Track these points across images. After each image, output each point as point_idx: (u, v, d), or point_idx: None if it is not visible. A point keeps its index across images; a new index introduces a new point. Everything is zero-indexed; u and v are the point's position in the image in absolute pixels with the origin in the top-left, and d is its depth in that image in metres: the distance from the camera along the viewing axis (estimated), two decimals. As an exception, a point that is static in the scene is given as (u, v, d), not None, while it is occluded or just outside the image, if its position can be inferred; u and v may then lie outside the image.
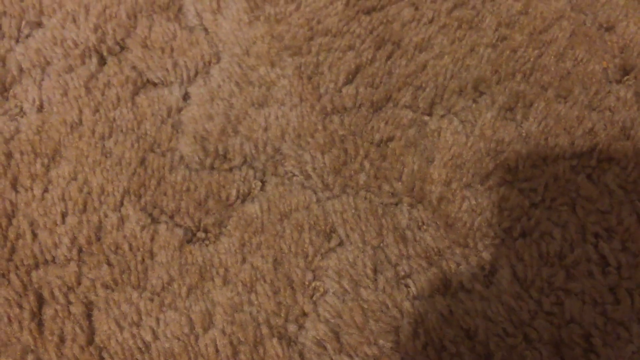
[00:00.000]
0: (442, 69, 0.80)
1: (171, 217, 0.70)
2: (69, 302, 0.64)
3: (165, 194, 0.71)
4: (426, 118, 0.77)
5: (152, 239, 0.68)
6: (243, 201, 0.71)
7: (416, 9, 0.85)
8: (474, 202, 0.71)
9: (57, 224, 0.68)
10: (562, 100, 0.79)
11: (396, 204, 0.72)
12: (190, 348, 0.62)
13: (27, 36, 0.81)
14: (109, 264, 0.66)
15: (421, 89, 0.79)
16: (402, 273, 0.67)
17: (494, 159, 0.74)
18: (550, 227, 0.70)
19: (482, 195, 0.72)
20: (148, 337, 0.62)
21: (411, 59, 0.81)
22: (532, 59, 0.81)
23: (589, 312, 0.64)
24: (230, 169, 0.73)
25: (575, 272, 0.67)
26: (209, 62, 0.80)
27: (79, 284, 0.65)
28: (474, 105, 0.78)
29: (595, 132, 0.76)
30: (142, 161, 0.72)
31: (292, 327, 0.64)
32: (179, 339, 0.62)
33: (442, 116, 0.77)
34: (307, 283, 0.66)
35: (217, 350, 0.62)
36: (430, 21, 0.84)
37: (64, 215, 0.69)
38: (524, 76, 0.80)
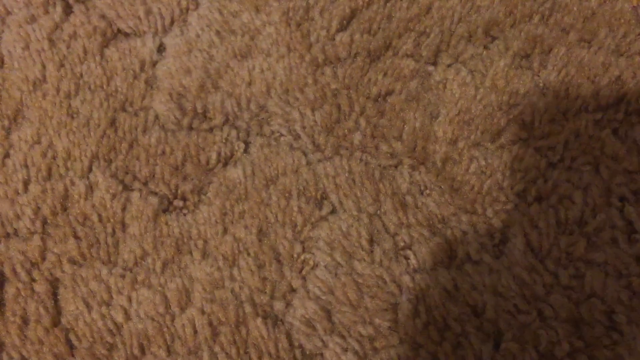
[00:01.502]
0: (448, 12, 0.75)
1: (145, 184, 0.66)
2: (33, 280, 0.62)
3: (138, 159, 0.67)
4: (430, 68, 0.73)
5: (123, 209, 0.65)
6: (225, 165, 0.68)
7: (420, -57, 0.78)
8: (483, 162, 0.67)
9: (18, 193, 0.65)
10: (585, 45, 0.74)
11: (395, 167, 0.68)
12: (165, 329, 0.59)
13: (-16, -17, 0.76)
14: (76, 237, 0.63)
15: (425, 35, 0.74)
16: (402, 244, 0.64)
17: (507, 114, 0.69)
18: (570, 190, 0.65)
19: (492, 155, 0.68)
20: (119, 318, 0.60)
21: (414, 0, 0.76)
22: None
23: (613, 286, 0.60)
24: (211, 129, 0.69)
25: (597, 240, 0.63)
26: (186, 9, 0.76)
27: (44, 259, 0.62)
28: (484, 52, 0.74)
29: (623, 80, 0.71)
30: (112, 122, 0.69)
31: (278, 305, 0.60)
32: (153, 319, 0.59)
33: (449, 66, 0.73)
34: (295, 256, 0.63)
35: (195, 332, 0.59)
36: (436, -43, 0.78)
37: (26, 184, 0.66)
38: (542, 18, 0.75)
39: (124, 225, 0.63)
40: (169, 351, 0.58)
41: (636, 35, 0.74)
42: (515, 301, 0.60)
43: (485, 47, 0.74)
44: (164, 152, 0.67)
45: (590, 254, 0.62)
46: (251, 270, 0.61)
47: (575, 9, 0.75)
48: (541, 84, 0.71)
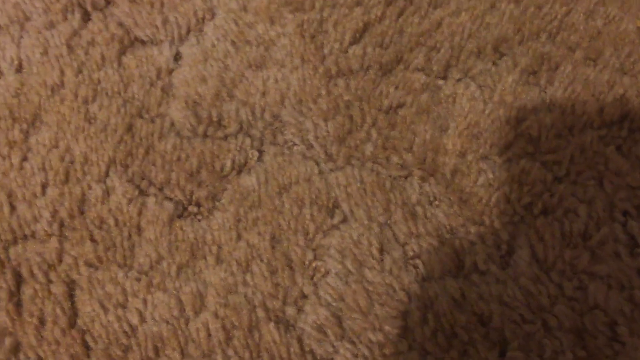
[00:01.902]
0: (458, 28, 0.76)
1: (160, 190, 0.66)
2: (50, 281, 0.61)
3: (154, 164, 0.67)
4: (440, 82, 0.73)
5: (139, 213, 0.64)
6: (239, 172, 0.68)
7: (431, -41, 0.79)
8: (491, 175, 0.67)
9: (36, 196, 0.65)
10: (591, 63, 0.75)
11: (406, 177, 0.68)
12: (180, 332, 0.59)
13: (4, -11, 0.76)
14: (93, 240, 0.63)
15: (435, 50, 0.74)
16: (411, 253, 0.64)
17: (515, 128, 0.70)
18: (575, 204, 0.66)
19: (500, 168, 0.68)
20: (134, 320, 0.60)
21: (425, 16, 0.76)
22: (558, 17, 0.77)
23: (615, 298, 0.61)
24: (225, 137, 0.69)
25: (601, 253, 0.63)
26: (203, 19, 0.76)
27: (61, 261, 0.62)
28: (493, 68, 0.74)
29: (627, 98, 0.72)
30: (129, 128, 0.69)
31: (290, 311, 0.61)
32: (167, 322, 0.59)
33: (458, 80, 0.74)
34: (307, 263, 0.63)
35: (209, 335, 0.59)
36: (447, -26, 0.79)
37: (44, 187, 0.65)
38: (550, 36, 0.76)
39: (139, 230, 0.63)
40: (183, 354, 0.58)
41: None
42: (521, 311, 0.60)
43: (494, 63, 0.74)
44: (179, 159, 0.67)
45: (594, 267, 0.62)
46: (264, 276, 0.61)
47: (581, 28, 0.76)
48: (548, 100, 0.72)
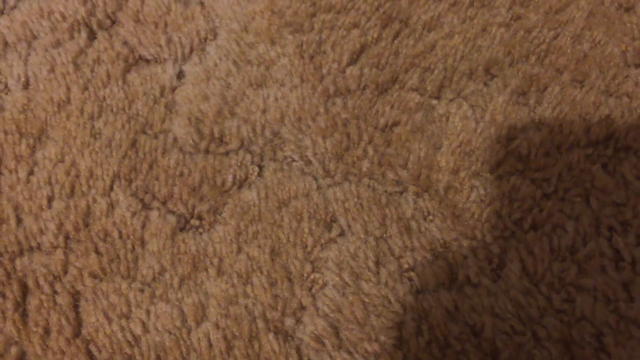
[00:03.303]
0: (451, 50, 0.77)
1: (163, 203, 0.67)
2: (55, 292, 0.62)
3: (157, 179, 0.68)
4: (434, 102, 0.75)
5: (143, 226, 0.66)
6: (239, 187, 0.69)
7: (425, -16, 0.81)
8: (482, 191, 0.69)
9: (43, 209, 0.66)
10: (577, 85, 0.76)
11: (401, 193, 0.69)
12: (182, 342, 0.60)
13: (13, 8, 0.78)
14: (97, 252, 0.64)
15: (429, 71, 0.76)
16: (406, 266, 0.65)
17: (505, 147, 0.71)
18: (563, 220, 0.67)
19: (491, 184, 0.69)
20: (138, 330, 0.61)
21: (419, 38, 0.77)
22: (547, 40, 0.78)
23: (601, 310, 0.62)
24: (227, 153, 0.71)
25: (587, 267, 0.65)
26: (205, 39, 0.77)
27: (66, 272, 0.63)
28: (484, 88, 0.75)
29: (612, 119, 0.73)
30: (133, 143, 0.70)
31: (289, 322, 0.62)
32: (170, 333, 0.60)
33: (451, 100, 0.75)
34: (305, 275, 0.64)
35: (210, 345, 0.60)
36: (440, -2, 0.80)
37: (50, 200, 0.66)
38: (538, 58, 0.77)
39: (143, 242, 0.64)
40: (184, 363, 0.59)
41: (624, 77, 0.75)
42: (512, 322, 0.61)
43: (485, 84, 0.75)
44: (182, 174, 0.68)
45: (581, 280, 0.63)
46: (264, 288, 0.62)
47: (568, 51, 0.77)
48: (537, 120, 0.73)
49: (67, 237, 0.64)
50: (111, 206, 0.66)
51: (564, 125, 0.72)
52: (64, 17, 0.76)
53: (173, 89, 0.74)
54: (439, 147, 0.71)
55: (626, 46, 0.78)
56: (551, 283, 0.64)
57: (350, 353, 0.60)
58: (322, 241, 0.66)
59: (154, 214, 0.66)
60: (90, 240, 0.64)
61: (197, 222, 0.67)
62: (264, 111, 0.72)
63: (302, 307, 0.63)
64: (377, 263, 0.64)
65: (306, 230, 0.66)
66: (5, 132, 0.69)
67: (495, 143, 0.71)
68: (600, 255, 0.65)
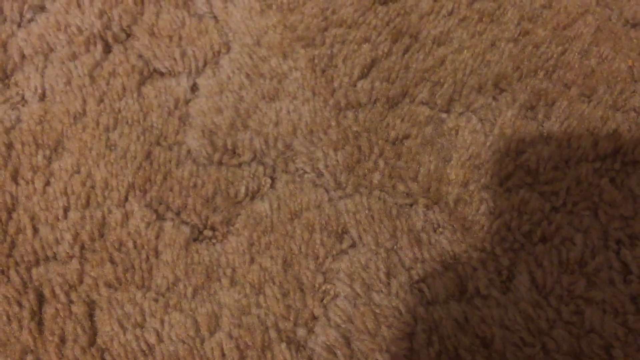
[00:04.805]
0: (461, 64, 0.78)
1: (177, 214, 0.68)
2: (71, 301, 0.62)
3: (171, 190, 0.69)
4: (444, 115, 0.75)
5: (157, 237, 0.66)
6: (252, 199, 0.70)
7: (435, 0, 0.82)
8: (492, 204, 0.69)
9: (58, 219, 0.66)
10: (585, 100, 0.77)
11: (411, 205, 0.70)
12: (195, 351, 0.60)
13: (30, 21, 0.80)
14: (113, 262, 0.65)
15: (439, 85, 0.77)
16: (416, 277, 0.65)
17: (514, 160, 0.72)
18: (572, 233, 0.68)
19: (500, 197, 0.70)
20: (152, 339, 0.61)
21: (429, 53, 0.79)
22: (555, 56, 0.79)
23: (610, 322, 0.62)
24: (239, 165, 0.71)
25: (596, 280, 0.65)
26: (219, 52, 0.78)
27: (81, 282, 0.64)
28: (493, 102, 0.76)
29: (620, 133, 0.74)
30: (148, 155, 0.71)
31: (301, 332, 0.62)
32: (184, 342, 0.61)
33: (461, 114, 0.76)
34: (317, 286, 0.64)
35: (223, 354, 0.60)
36: (450, 13, 0.82)
37: (66, 210, 0.67)
38: (547, 73, 0.78)
39: (157, 252, 0.65)
40: (198, 372, 0.60)
41: (631, 92, 0.76)
42: (521, 334, 0.61)
43: (494, 98, 0.76)
44: (195, 185, 0.69)
45: (590, 292, 0.64)
46: (276, 298, 0.63)
47: (576, 66, 0.78)
48: (545, 134, 0.73)
49: (82, 247, 0.65)
50: (126, 217, 0.67)
51: (572, 140, 0.73)
52: (80, 31, 0.78)
53: (187, 102, 0.75)
54: (448, 160, 0.72)
55: (633, 62, 0.79)
56: (560, 295, 0.64)
57: (361, 363, 0.60)
58: (334, 252, 0.66)
59: (168, 225, 0.67)
60: (105, 250, 0.65)
61: (210, 233, 0.67)
62: (276, 124, 0.73)
63: (314, 318, 0.63)
64: (388, 274, 0.65)
65: (318, 241, 0.66)
66: (22, 143, 0.70)
67: (504, 156, 0.72)
68: (608, 268, 0.66)
